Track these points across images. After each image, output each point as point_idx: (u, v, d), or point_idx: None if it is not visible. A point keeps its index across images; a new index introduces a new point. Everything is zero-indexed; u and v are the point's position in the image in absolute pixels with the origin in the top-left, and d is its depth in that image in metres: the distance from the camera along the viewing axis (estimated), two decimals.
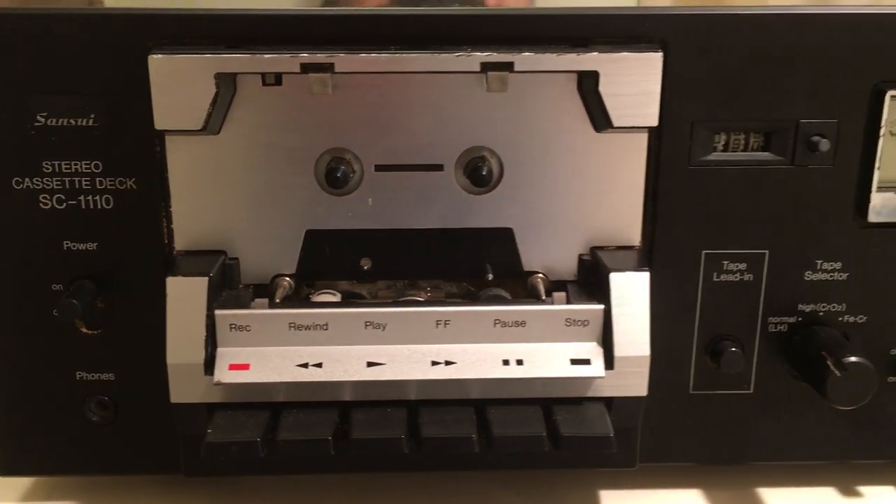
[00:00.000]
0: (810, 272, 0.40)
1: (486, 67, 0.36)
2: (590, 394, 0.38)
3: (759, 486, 0.44)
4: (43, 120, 0.37)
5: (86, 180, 0.38)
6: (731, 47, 0.37)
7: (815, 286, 0.40)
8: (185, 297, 0.37)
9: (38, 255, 0.39)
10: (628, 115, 0.37)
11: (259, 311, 0.37)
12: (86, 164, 0.38)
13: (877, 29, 0.37)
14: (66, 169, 0.38)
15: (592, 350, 0.38)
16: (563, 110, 0.38)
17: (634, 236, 0.40)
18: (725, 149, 0.39)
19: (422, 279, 0.41)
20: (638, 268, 0.38)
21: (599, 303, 0.38)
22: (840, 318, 0.41)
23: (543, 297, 0.39)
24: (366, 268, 0.40)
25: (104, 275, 0.39)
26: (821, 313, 0.41)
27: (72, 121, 0.37)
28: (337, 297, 0.40)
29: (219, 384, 0.36)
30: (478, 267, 0.40)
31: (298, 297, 0.41)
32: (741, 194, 0.39)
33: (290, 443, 0.35)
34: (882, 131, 0.38)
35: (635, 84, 0.36)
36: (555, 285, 0.41)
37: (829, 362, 0.38)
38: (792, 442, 0.43)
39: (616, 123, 0.37)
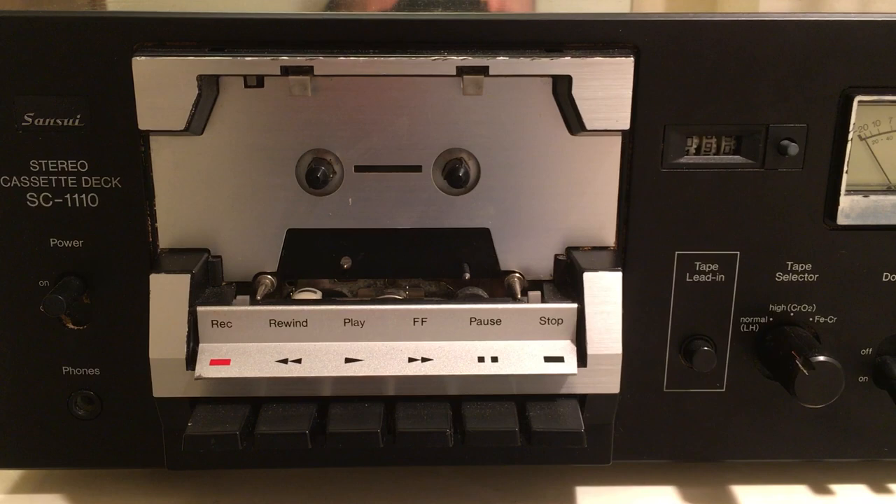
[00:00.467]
0: (781, 273, 0.41)
1: (462, 71, 0.37)
2: (563, 391, 0.39)
3: (733, 483, 0.45)
4: (30, 120, 0.38)
5: (72, 179, 0.39)
6: (702, 53, 0.38)
7: (786, 287, 0.41)
8: (167, 293, 0.38)
9: (25, 251, 0.40)
10: (601, 119, 0.37)
11: (240, 308, 0.38)
12: (72, 163, 0.39)
13: (845, 35, 0.38)
14: (52, 168, 0.39)
15: (566, 348, 0.39)
16: (538, 113, 0.39)
17: (609, 237, 0.41)
18: (698, 152, 0.40)
19: (401, 278, 0.42)
20: (611, 268, 0.39)
21: (573, 302, 0.39)
22: (811, 319, 0.42)
23: (519, 296, 0.40)
24: (346, 266, 0.41)
25: (90, 271, 0.40)
26: (792, 314, 0.42)
27: (58, 121, 0.38)
28: (317, 295, 0.41)
29: (200, 379, 0.37)
30: (455, 266, 0.41)
31: (280, 295, 0.41)
32: (713, 197, 0.40)
33: (268, 436, 0.36)
34: (850, 136, 0.39)
35: (607, 88, 0.37)
36: (532, 285, 0.41)
37: (797, 361, 0.39)
38: (765, 440, 0.44)
39: (589, 127, 0.38)
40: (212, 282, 0.40)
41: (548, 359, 0.38)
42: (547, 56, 0.37)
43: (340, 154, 0.39)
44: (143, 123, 0.37)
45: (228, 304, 0.39)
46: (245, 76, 0.38)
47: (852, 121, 0.39)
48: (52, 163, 0.38)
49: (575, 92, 0.37)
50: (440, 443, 0.36)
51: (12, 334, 0.41)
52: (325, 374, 0.38)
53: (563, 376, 0.38)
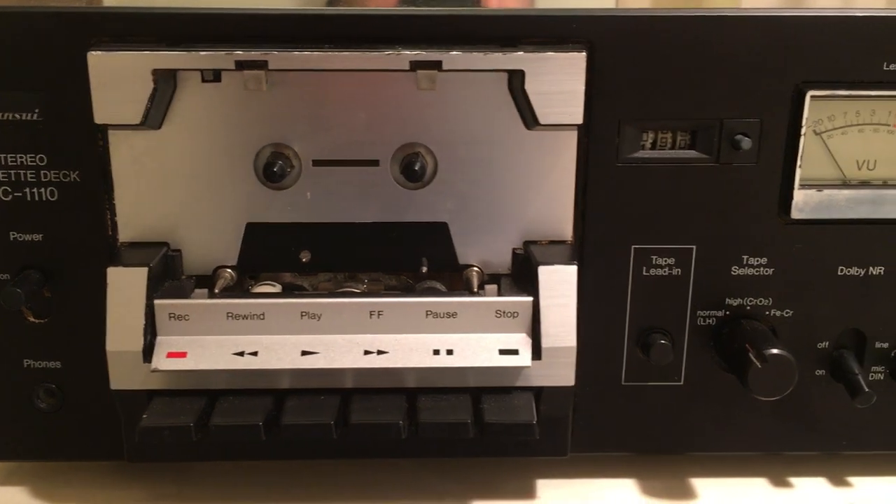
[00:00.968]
0: (737, 267, 0.41)
1: (416, 66, 0.37)
2: (519, 384, 0.39)
3: (693, 476, 0.45)
4: None
5: (31, 173, 0.39)
6: (656, 48, 0.38)
7: (742, 281, 0.42)
8: (125, 286, 0.38)
9: None
10: (554, 113, 0.38)
11: (197, 301, 0.39)
12: (31, 157, 0.39)
13: (798, 30, 0.38)
14: (11, 162, 0.39)
15: (521, 341, 0.39)
16: (495, 108, 0.39)
17: (566, 231, 0.41)
18: (653, 147, 0.40)
19: (360, 272, 0.42)
20: (567, 261, 0.39)
21: (529, 295, 0.39)
22: (767, 313, 0.42)
23: (475, 290, 0.40)
24: (304, 260, 0.41)
25: (50, 265, 0.40)
26: (748, 307, 0.42)
27: (16, 115, 0.38)
28: (277, 289, 0.41)
29: (156, 371, 0.38)
30: (414, 260, 0.41)
31: (241, 289, 0.42)
32: (669, 191, 0.40)
33: (222, 428, 0.37)
34: (803, 130, 0.39)
35: (560, 83, 0.37)
36: (491, 278, 0.42)
37: (751, 354, 0.39)
38: (724, 433, 0.44)
39: (542, 121, 0.38)
40: (171, 275, 0.41)
41: (503, 351, 0.39)
42: (500, 51, 0.37)
43: (298, 148, 0.40)
44: (99, 118, 0.37)
45: (186, 297, 0.39)
46: (201, 71, 0.38)
47: (805, 116, 0.39)
48: (10, 157, 0.39)
49: (528, 86, 0.37)
50: (393, 434, 0.37)
51: None
52: (281, 367, 0.38)
53: (518, 369, 0.39)
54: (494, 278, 0.42)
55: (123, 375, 0.38)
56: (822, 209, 0.40)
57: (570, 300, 0.39)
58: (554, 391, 0.39)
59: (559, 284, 0.39)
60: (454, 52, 0.37)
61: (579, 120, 0.38)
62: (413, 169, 0.39)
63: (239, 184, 0.40)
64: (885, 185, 0.41)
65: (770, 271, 0.41)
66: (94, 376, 0.41)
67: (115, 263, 0.39)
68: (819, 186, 0.40)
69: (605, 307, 0.42)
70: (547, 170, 0.40)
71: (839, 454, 0.45)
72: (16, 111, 0.38)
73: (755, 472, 0.45)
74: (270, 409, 0.38)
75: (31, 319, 0.41)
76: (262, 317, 0.39)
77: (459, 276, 0.42)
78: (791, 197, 0.40)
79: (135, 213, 0.40)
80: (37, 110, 0.38)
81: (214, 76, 0.38)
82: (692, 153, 0.40)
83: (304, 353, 0.38)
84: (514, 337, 0.39)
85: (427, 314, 0.39)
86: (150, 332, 0.38)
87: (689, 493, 0.44)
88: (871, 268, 0.41)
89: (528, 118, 0.39)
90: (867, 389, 0.41)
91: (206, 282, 0.41)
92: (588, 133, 0.39)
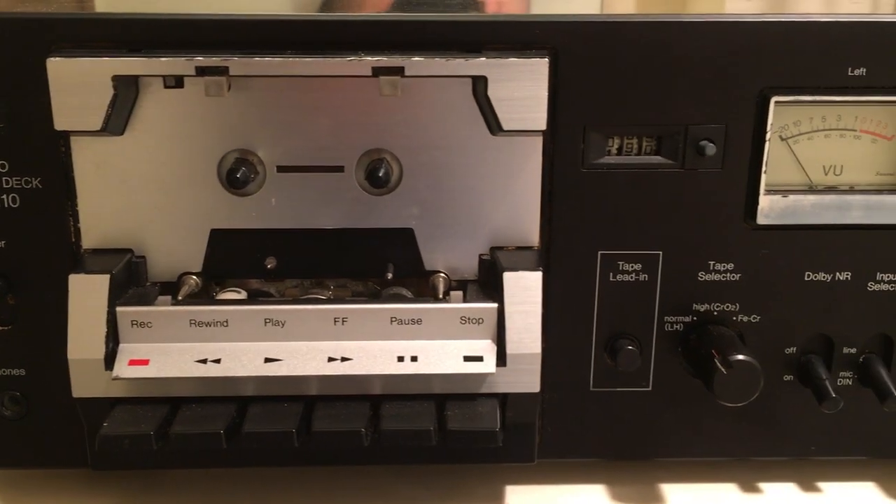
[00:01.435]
0: (704, 273, 0.41)
1: (378, 72, 0.37)
2: (484, 390, 0.39)
3: (662, 481, 0.45)
4: None
5: None
6: (621, 53, 0.38)
7: (709, 286, 0.41)
8: (86, 293, 0.38)
9: None
10: (517, 119, 0.38)
11: (160, 308, 0.38)
12: None
13: (762, 36, 0.38)
14: None
15: (486, 347, 0.39)
16: (460, 114, 0.39)
17: (533, 237, 0.41)
18: (619, 152, 0.40)
19: (326, 278, 0.42)
20: (532, 267, 0.39)
21: (494, 301, 0.39)
22: (734, 318, 0.42)
23: (441, 296, 0.40)
24: (270, 266, 0.41)
25: (14, 272, 0.40)
26: (715, 313, 0.42)
27: None
28: (242, 295, 0.41)
29: (117, 379, 0.37)
30: (380, 266, 0.41)
31: (206, 296, 0.41)
32: (635, 197, 0.40)
33: (183, 436, 0.36)
34: (768, 136, 0.39)
35: (523, 89, 0.37)
36: (458, 284, 0.42)
37: (716, 360, 0.39)
38: (693, 438, 0.44)
39: (506, 127, 0.38)
40: (135, 282, 0.40)
41: (467, 358, 0.38)
42: (463, 57, 0.37)
43: (263, 154, 0.40)
44: (59, 124, 0.37)
45: (149, 304, 0.39)
46: (163, 77, 0.38)
47: (770, 121, 0.39)
48: None
49: (491, 92, 0.37)
50: (356, 442, 0.37)
51: None
52: (244, 374, 0.38)
53: (483, 375, 0.38)
54: (462, 284, 0.42)
55: (85, 383, 0.38)
56: (787, 215, 0.40)
57: (535, 306, 0.39)
58: (519, 398, 0.39)
59: (524, 291, 0.39)
60: (416, 58, 0.37)
61: (543, 126, 0.38)
62: (377, 175, 0.39)
63: (203, 190, 0.40)
64: (851, 190, 0.41)
65: (737, 277, 0.41)
66: (58, 384, 0.41)
67: (78, 270, 0.38)
68: (785, 192, 0.40)
69: (573, 313, 0.42)
70: (513, 176, 0.40)
71: (809, 459, 0.45)
72: None
73: (725, 478, 0.45)
74: (233, 417, 0.38)
75: None
76: (225, 324, 0.38)
77: (426, 283, 0.42)
78: (757, 203, 0.40)
79: (98, 220, 0.40)
80: None
81: (177, 82, 0.38)
82: (658, 159, 0.40)
83: (268, 360, 0.38)
84: (479, 343, 0.39)
85: (392, 321, 0.39)
86: (113, 339, 0.38)
87: (658, 498, 0.44)
88: (837, 273, 0.41)
89: (493, 124, 0.38)
90: (834, 395, 0.41)
91: (171, 288, 0.41)
92: (553, 139, 0.39)
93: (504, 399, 0.39)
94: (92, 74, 0.36)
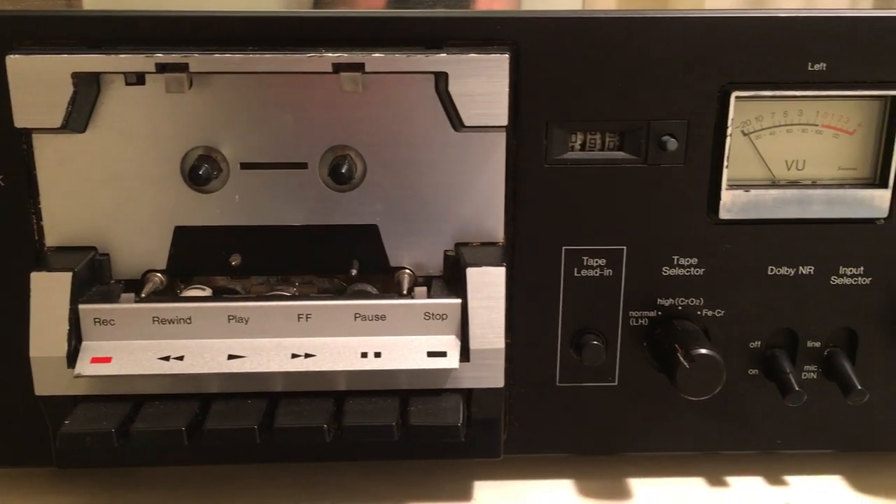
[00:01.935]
0: (668, 267, 0.41)
1: (338, 68, 0.37)
2: (449, 386, 0.39)
3: (630, 476, 0.45)
4: None
5: None
6: (582, 49, 0.38)
7: (673, 281, 0.42)
8: (48, 291, 0.38)
9: None
10: (478, 115, 0.38)
11: (122, 306, 0.38)
12: None
13: (723, 31, 0.38)
14: None
15: (450, 343, 0.39)
16: (424, 110, 0.39)
17: (498, 233, 0.41)
18: (583, 148, 0.40)
19: (290, 274, 0.42)
20: (496, 263, 0.39)
21: (458, 297, 0.39)
22: (699, 313, 0.42)
23: (405, 292, 0.40)
24: (234, 263, 0.41)
25: None
26: (680, 307, 0.42)
27: None
28: (207, 293, 0.41)
29: (80, 376, 0.37)
30: (345, 263, 0.41)
31: (171, 293, 0.41)
32: (598, 192, 0.40)
33: (144, 433, 0.36)
34: (729, 131, 0.39)
35: (483, 84, 0.37)
36: (425, 281, 0.42)
37: (679, 354, 0.39)
38: (660, 433, 0.44)
39: (467, 123, 0.38)
40: (99, 280, 0.40)
41: (431, 354, 0.38)
42: (423, 53, 0.37)
43: (226, 151, 0.39)
44: (19, 121, 0.37)
45: (112, 301, 0.39)
46: (124, 74, 0.38)
47: (731, 117, 0.39)
48: None
49: (451, 88, 0.37)
50: (318, 438, 0.37)
51: None
52: (207, 371, 0.38)
53: (447, 371, 0.39)
54: (427, 281, 0.42)
55: (48, 381, 0.38)
56: (749, 209, 0.40)
57: (498, 302, 0.39)
58: (483, 393, 0.39)
59: (487, 286, 0.39)
60: (377, 54, 0.37)
61: (504, 121, 0.38)
62: (340, 171, 0.39)
63: (167, 187, 0.40)
64: (813, 184, 0.41)
65: (701, 271, 0.41)
66: (23, 382, 0.41)
67: (40, 268, 0.38)
68: (747, 187, 0.40)
69: (538, 308, 0.42)
70: (476, 171, 0.40)
71: (776, 453, 0.46)
72: None
73: (692, 472, 0.46)
74: (196, 414, 0.38)
75: None
76: (188, 321, 0.38)
77: (392, 279, 0.42)
78: (719, 197, 0.40)
79: (62, 218, 0.40)
80: None
81: (138, 79, 0.38)
82: (621, 154, 0.40)
83: (231, 356, 0.38)
84: (443, 339, 0.39)
85: (356, 317, 0.39)
86: (75, 337, 0.38)
87: (625, 493, 0.44)
88: (801, 267, 0.42)
89: (455, 120, 0.39)
90: (797, 388, 0.41)
91: (136, 286, 0.41)
92: (516, 135, 0.39)
93: (469, 394, 0.39)
94: (51, 72, 0.36)
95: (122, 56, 0.36)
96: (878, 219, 0.41)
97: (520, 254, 0.41)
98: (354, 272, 0.41)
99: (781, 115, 0.40)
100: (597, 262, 0.41)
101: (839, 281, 0.42)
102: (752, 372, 0.43)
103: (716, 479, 0.45)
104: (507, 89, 0.38)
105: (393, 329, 0.39)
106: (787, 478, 0.45)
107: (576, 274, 0.41)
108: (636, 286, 0.42)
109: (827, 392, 0.43)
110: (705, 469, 0.46)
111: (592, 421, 0.44)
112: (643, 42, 0.38)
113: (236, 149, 0.39)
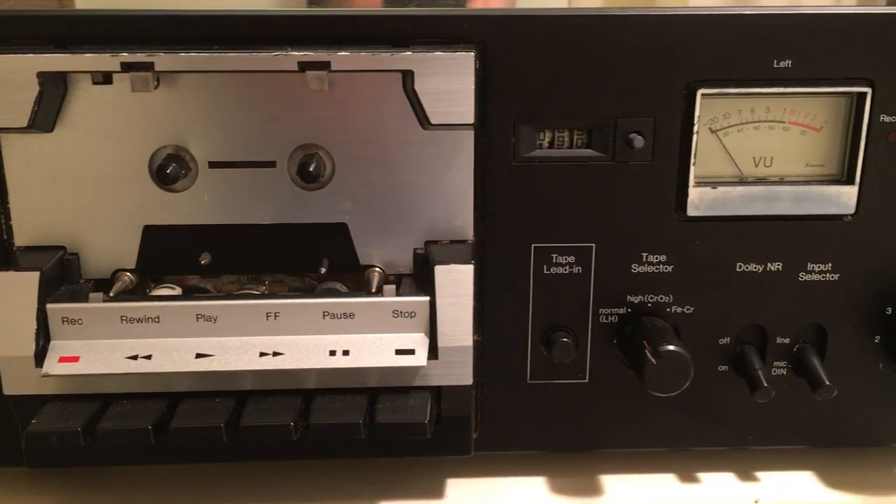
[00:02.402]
0: (637, 265, 0.42)
1: (304, 66, 0.37)
2: (417, 383, 0.39)
3: (602, 472, 0.45)
4: None
5: None
6: (549, 47, 0.39)
7: (642, 278, 0.42)
8: (16, 291, 0.38)
9: None
10: (444, 113, 0.38)
11: (90, 305, 0.38)
12: None
13: (689, 29, 0.39)
14: None
15: (418, 340, 0.39)
16: (392, 108, 0.39)
17: (467, 231, 0.41)
18: (552, 146, 0.40)
19: (260, 273, 0.42)
20: (464, 261, 0.39)
21: (427, 295, 0.39)
22: (668, 310, 0.42)
23: (374, 290, 0.40)
24: (204, 262, 0.41)
25: None
26: (649, 304, 0.42)
27: None
28: (177, 292, 0.41)
29: (47, 376, 0.37)
30: (314, 261, 0.41)
31: (141, 292, 0.41)
32: (567, 190, 0.40)
33: (110, 432, 0.36)
34: (696, 129, 0.39)
35: (449, 83, 0.37)
36: (396, 279, 0.42)
37: (647, 351, 0.40)
38: (631, 429, 0.44)
39: (434, 121, 0.38)
40: (68, 279, 0.40)
41: (399, 351, 0.38)
42: (389, 51, 0.37)
43: (195, 150, 0.40)
44: None
45: (81, 300, 0.39)
46: (91, 73, 0.38)
47: (697, 114, 0.39)
48: None
49: (418, 87, 0.37)
50: (284, 436, 0.37)
51: None
52: (175, 370, 0.38)
53: (415, 368, 0.39)
54: (398, 279, 0.42)
55: (16, 380, 0.38)
56: (717, 206, 0.40)
57: (466, 299, 0.39)
58: (453, 390, 0.39)
59: (455, 284, 0.39)
60: (342, 53, 0.37)
61: (471, 120, 0.38)
62: (308, 170, 0.39)
63: (135, 186, 0.40)
64: (781, 181, 0.41)
65: (670, 268, 0.42)
66: None
67: (7, 268, 0.38)
68: (714, 184, 0.40)
69: (508, 306, 0.42)
70: (445, 170, 0.40)
71: (747, 449, 0.46)
72: None
73: (663, 468, 0.46)
74: (163, 413, 0.38)
75: None
76: (156, 320, 0.38)
77: (362, 277, 0.42)
78: (687, 194, 0.40)
79: (30, 217, 0.40)
80: None
81: (105, 78, 0.38)
82: (589, 152, 0.40)
83: (199, 355, 0.38)
84: (412, 337, 0.39)
85: (324, 315, 0.39)
86: (43, 336, 0.38)
87: (597, 489, 0.44)
88: (769, 264, 0.42)
89: (422, 118, 0.39)
90: (766, 385, 0.41)
91: (106, 286, 0.41)
92: (484, 133, 0.40)
93: (438, 392, 0.40)
94: (16, 71, 0.36)
95: (87, 55, 0.36)
96: (846, 215, 0.41)
97: (489, 251, 0.41)
98: (324, 270, 0.41)
99: (748, 112, 0.40)
100: (566, 259, 0.41)
101: (807, 277, 0.42)
102: (722, 368, 0.43)
103: (687, 476, 0.45)
104: (473, 87, 0.38)
105: (361, 327, 0.39)
106: (758, 473, 0.45)
107: (545, 271, 0.41)
108: (605, 283, 0.42)
109: (797, 388, 0.44)
110: (676, 465, 0.46)
111: (564, 418, 0.44)
112: (610, 40, 0.39)
113: (204, 148, 0.39)
